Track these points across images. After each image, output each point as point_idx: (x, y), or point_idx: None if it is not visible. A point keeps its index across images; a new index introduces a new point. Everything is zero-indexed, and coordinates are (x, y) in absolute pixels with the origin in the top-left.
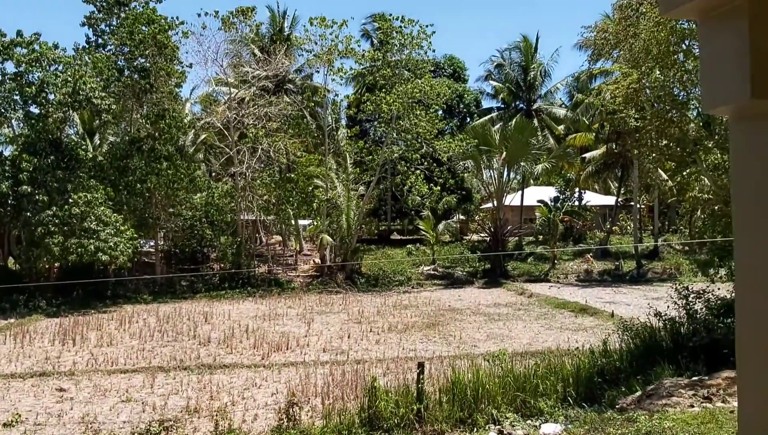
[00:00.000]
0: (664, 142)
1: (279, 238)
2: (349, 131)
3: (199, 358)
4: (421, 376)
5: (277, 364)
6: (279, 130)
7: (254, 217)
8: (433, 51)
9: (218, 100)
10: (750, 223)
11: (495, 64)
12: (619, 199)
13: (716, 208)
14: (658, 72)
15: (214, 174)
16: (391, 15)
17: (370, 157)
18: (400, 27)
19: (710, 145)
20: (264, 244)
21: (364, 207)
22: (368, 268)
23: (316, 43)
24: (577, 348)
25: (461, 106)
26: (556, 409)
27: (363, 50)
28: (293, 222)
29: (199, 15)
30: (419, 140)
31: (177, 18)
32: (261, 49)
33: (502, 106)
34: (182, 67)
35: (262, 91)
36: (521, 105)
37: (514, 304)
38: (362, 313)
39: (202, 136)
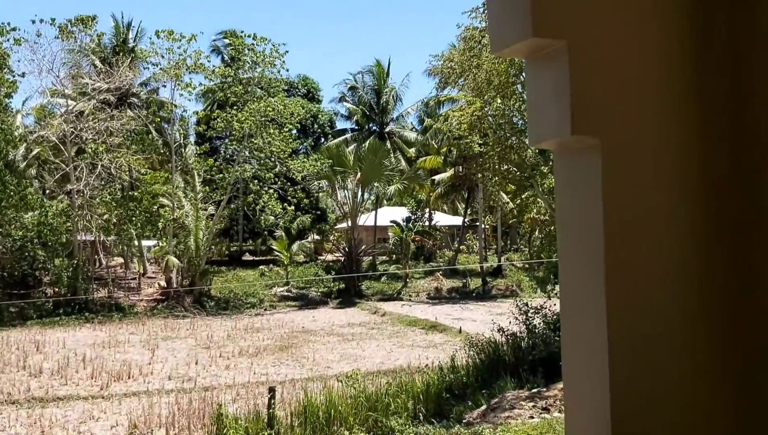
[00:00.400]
0: (505, 166)
1: (120, 260)
2: (198, 148)
3: (30, 391)
4: (272, 401)
5: (118, 394)
6: (121, 145)
7: (93, 238)
8: (287, 70)
9: (54, 112)
10: (571, 247)
11: (349, 86)
12: (466, 220)
13: (551, 228)
14: (499, 101)
15: (48, 191)
16: (242, 32)
17: (221, 175)
18: (253, 45)
19: (545, 171)
20: (104, 266)
21: (214, 227)
22: (218, 291)
23: (162, 57)
24: (427, 365)
25: (315, 126)
26: (407, 426)
27: (213, 66)
28: (136, 243)
29: (33, 22)
30: (273, 159)
31: (8, 24)
32: (103, 61)
33: (356, 127)
34: (13, 76)
35: (104, 104)
36: (374, 127)
37: (367, 323)
38: (211, 337)
39: (35, 151)
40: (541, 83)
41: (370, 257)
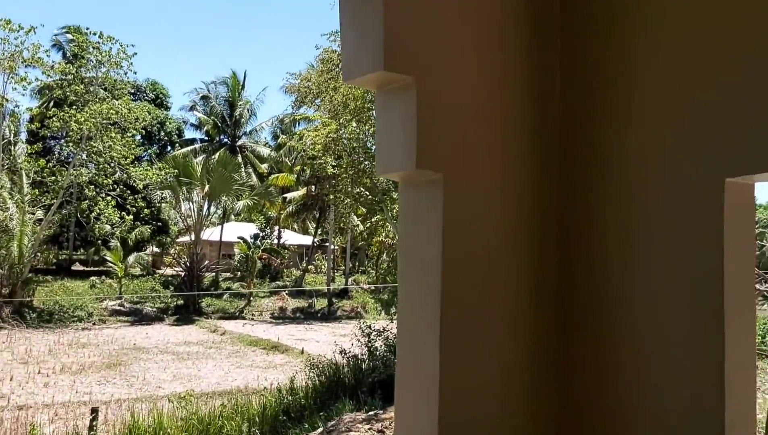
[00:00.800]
0: (358, 189)
1: None
2: (29, 147)
3: None
4: (95, 423)
5: None
6: None
7: None
8: (134, 73)
9: None
10: (410, 274)
11: (201, 95)
12: (316, 240)
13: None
14: (354, 125)
15: None
16: (88, 29)
17: (54, 178)
18: (98, 43)
19: (395, 196)
20: None
21: (42, 233)
22: (42, 302)
23: None
24: (266, 387)
25: (162, 133)
26: None
27: (53, 61)
28: None
29: None
30: (112, 165)
31: None
32: None
33: (207, 138)
34: None
35: None
36: (226, 140)
37: (205, 342)
38: (30, 352)
39: None
40: (389, 115)
41: (213, 273)
